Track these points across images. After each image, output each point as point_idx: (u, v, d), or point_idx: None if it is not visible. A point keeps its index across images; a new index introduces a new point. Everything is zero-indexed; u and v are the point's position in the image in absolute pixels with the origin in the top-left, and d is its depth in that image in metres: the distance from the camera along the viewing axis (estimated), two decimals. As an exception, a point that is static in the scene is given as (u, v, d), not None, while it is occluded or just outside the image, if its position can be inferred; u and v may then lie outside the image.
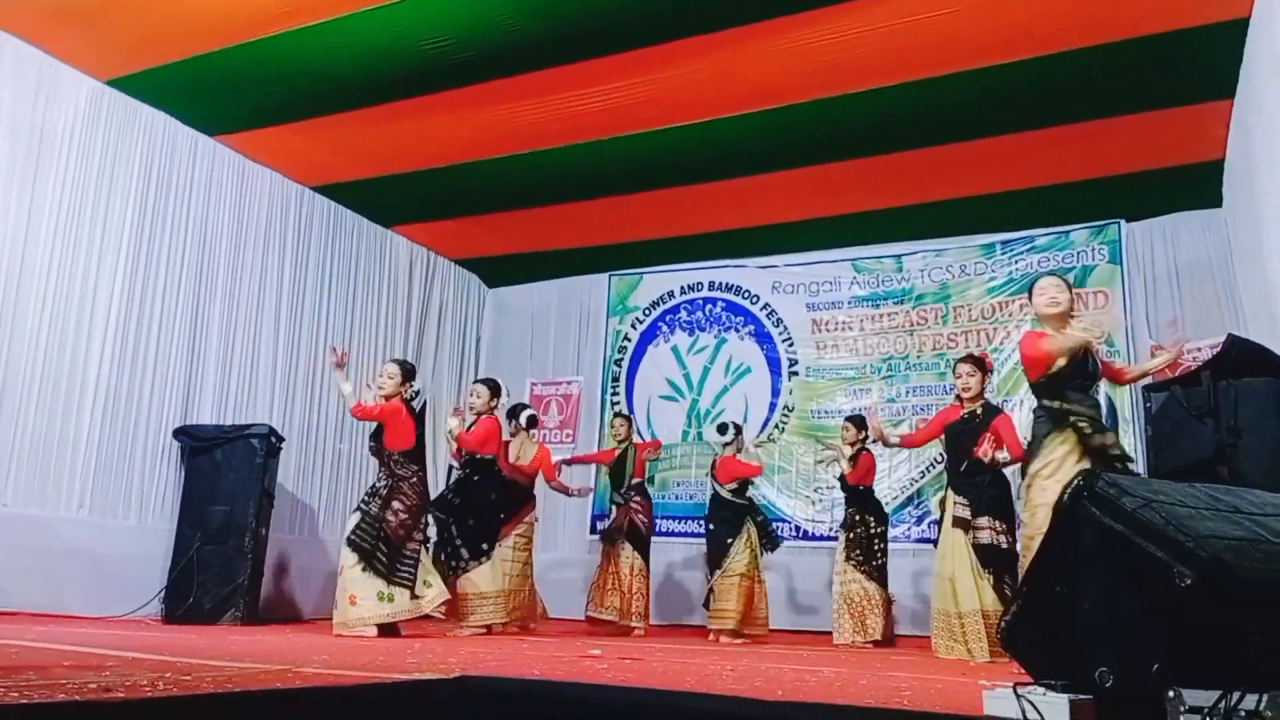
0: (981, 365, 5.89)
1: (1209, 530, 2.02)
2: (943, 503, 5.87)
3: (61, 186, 6.44)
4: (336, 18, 5.84)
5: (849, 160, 7.40)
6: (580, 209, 8.53)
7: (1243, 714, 1.81)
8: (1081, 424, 4.39)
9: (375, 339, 9.04)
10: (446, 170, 7.84)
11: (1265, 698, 1.80)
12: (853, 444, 7.15)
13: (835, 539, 7.62)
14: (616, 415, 7.94)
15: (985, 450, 5.51)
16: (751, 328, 9.40)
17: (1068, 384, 4.52)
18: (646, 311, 9.89)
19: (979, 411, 5.73)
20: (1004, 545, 5.43)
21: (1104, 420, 4.63)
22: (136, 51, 6.37)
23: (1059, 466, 4.36)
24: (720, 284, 9.65)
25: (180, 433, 6.99)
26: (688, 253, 9.47)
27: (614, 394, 9.77)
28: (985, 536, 5.41)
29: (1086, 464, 4.25)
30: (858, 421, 7.19)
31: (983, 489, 5.56)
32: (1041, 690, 1.99)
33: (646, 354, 9.79)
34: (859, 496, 7.07)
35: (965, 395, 5.75)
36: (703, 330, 9.61)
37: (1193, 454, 4.51)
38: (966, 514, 5.51)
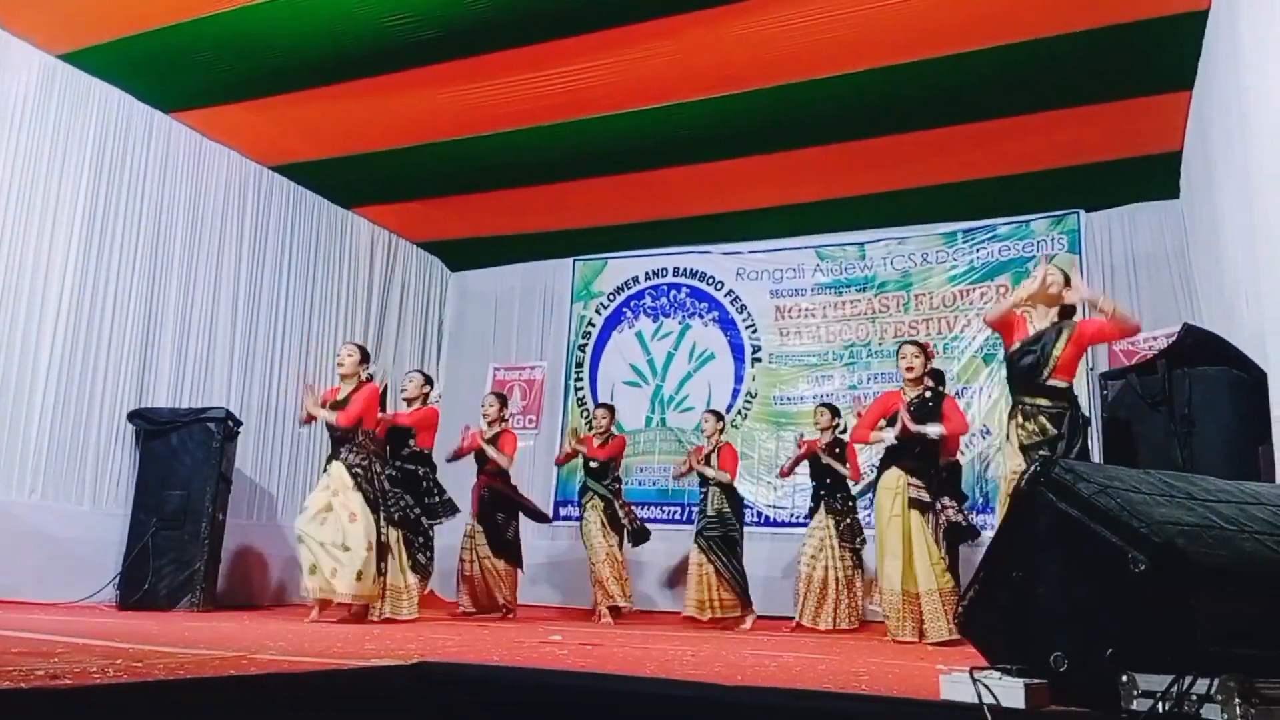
0: (925, 349, 6.00)
1: (1163, 516, 2.04)
2: (873, 484, 5.99)
3: (12, 163, 6.28)
4: (296, -6, 5.75)
5: (813, 147, 7.41)
6: (545, 192, 8.47)
7: (1194, 698, 1.83)
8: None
9: (335, 322, 8.93)
10: (408, 151, 7.75)
11: (1216, 682, 1.82)
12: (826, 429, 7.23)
13: (798, 525, 7.67)
14: (600, 406, 7.81)
15: (913, 425, 5.62)
16: (716, 314, 9.41)
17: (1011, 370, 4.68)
18: (611, 297, 9.87)
19: (927, 395, 5.80)
20: (964, 524, 5.59)
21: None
22: (90, 25, 6.22)
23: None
24: (685, 270, 9.64)
25: (135, 415, 6.87)
26: (653, 238, 9.45)
27: (578, 379, 9.75)
28: (952, 515, 5.54)
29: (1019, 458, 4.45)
30: (833, 409, 7.36)
31: (938, 470, 5.72)
32: (997, 674, 2.01)
33: (611, 339, 9.77)
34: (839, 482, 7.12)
35: (909, 376, 5.79)
36: (667, 316, 9.60)
37: (1147, 441, 4.58)
38: (925, 496, 5.58)
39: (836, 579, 6.79)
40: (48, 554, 6.21)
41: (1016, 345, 4.66)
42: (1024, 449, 4.48)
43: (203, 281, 7.63)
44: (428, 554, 6.31)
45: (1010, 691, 1.94)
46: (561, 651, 3.57)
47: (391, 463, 6.37)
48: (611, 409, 7.75)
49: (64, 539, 6.34)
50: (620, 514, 7.27)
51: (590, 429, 7.88)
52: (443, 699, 2.43)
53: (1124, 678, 1.90)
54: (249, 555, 7.60)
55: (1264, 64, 4.00)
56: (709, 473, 7.12)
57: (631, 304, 9.79)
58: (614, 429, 7.62)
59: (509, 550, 7.13)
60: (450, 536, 7.38)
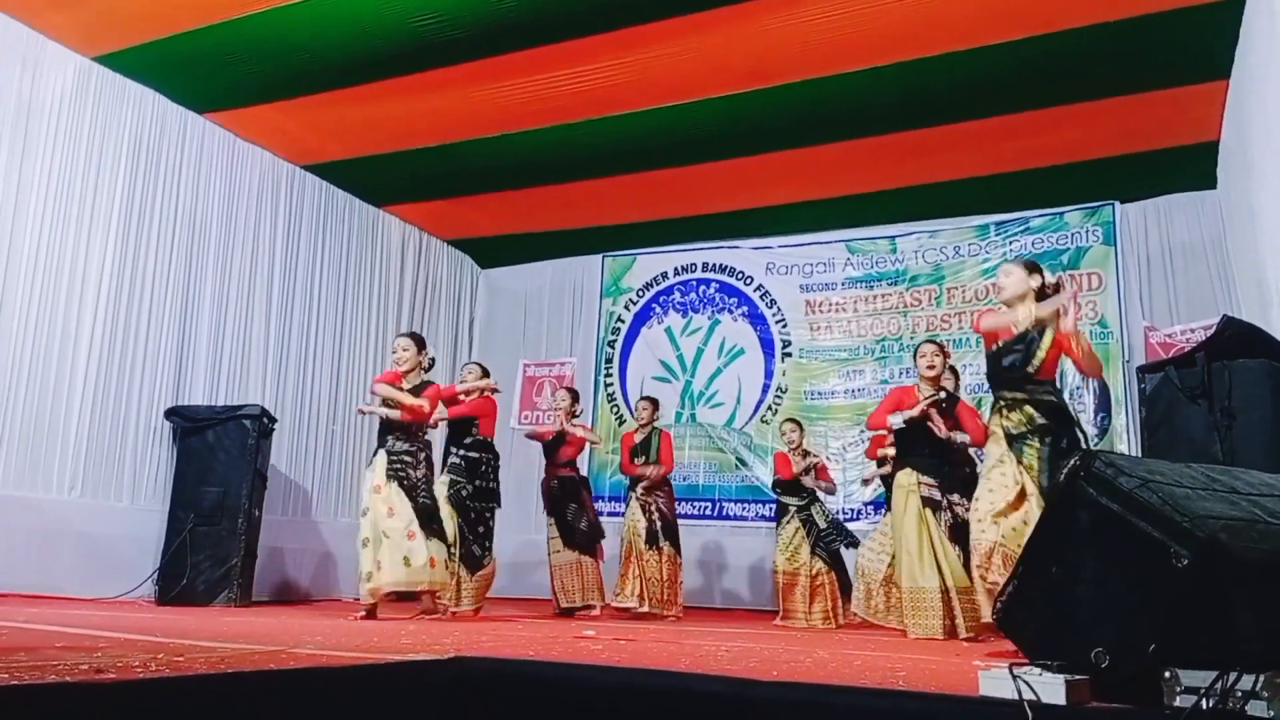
0: (943, 350, 5.99)
1: (1206, 510, 2.01)
2: (887, 480, 5.98)
3: (49, 164, 6.38)
4: (327, -6, 5.79)
5: (843, 141, 7.38)
6: (573, 189, 8.49)
7: (1239, 694, 1.81)
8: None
9: (367, 320, 9.00)
10: (438, 150, 7.79)
11: (1261, 678, 1.80)
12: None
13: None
14: (642, 399, 7.74)
15: (942, 430, 5.60)
16: (745, 309, 9.39)
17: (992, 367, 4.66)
18: (640, 293, 9.87)
19: (943, 395, 5.78)
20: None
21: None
22: (124, 27, 6.30)
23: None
24: (714, 265, 9.62)
25: (172, 413, 6.96)
26: (682, 234, 9.44)
27: (607, 375, 9.76)
28: (960, 513, 5.51)
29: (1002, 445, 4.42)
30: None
31: (954, 469, 5.73)
32: (1038, 671, 1.99)
33: (640, 335, 9.77)
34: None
35: (929, 375, 5.75)
36: (696, 311, 9.59)
37: (1186, 435, 4.52)
38: (936, 494, 5.57)
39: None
40: (87, 550, 6.31)
41: (1000, 344, 4.62)
42: (1011, 438, 4.41)
43: (237, 280, 7.71)
44: (485, 544, 6.32)
45: (1051, 688, 1.92)
46: (596, 646, 3.57)
47: (455, 450, 6.47)
48: (654, 401, 7.66)
49: (103, 535, 6.43)
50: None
51: (622, 425, 7.84)
52: (478, 693, 2.44)
53: (1166, 674, 1.87)
54: (284, 551, 7.67)
55: (1305, 51, 3.93)
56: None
57: (661, 300, 9.78)
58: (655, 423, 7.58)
59: (583, 542, 7.07)
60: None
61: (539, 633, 4.45)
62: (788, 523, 7.06)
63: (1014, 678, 1.95)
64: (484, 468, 6.53)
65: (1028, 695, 1.91)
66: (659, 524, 7.13)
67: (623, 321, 9.87)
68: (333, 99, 7.04)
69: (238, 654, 2.62)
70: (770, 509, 8.12)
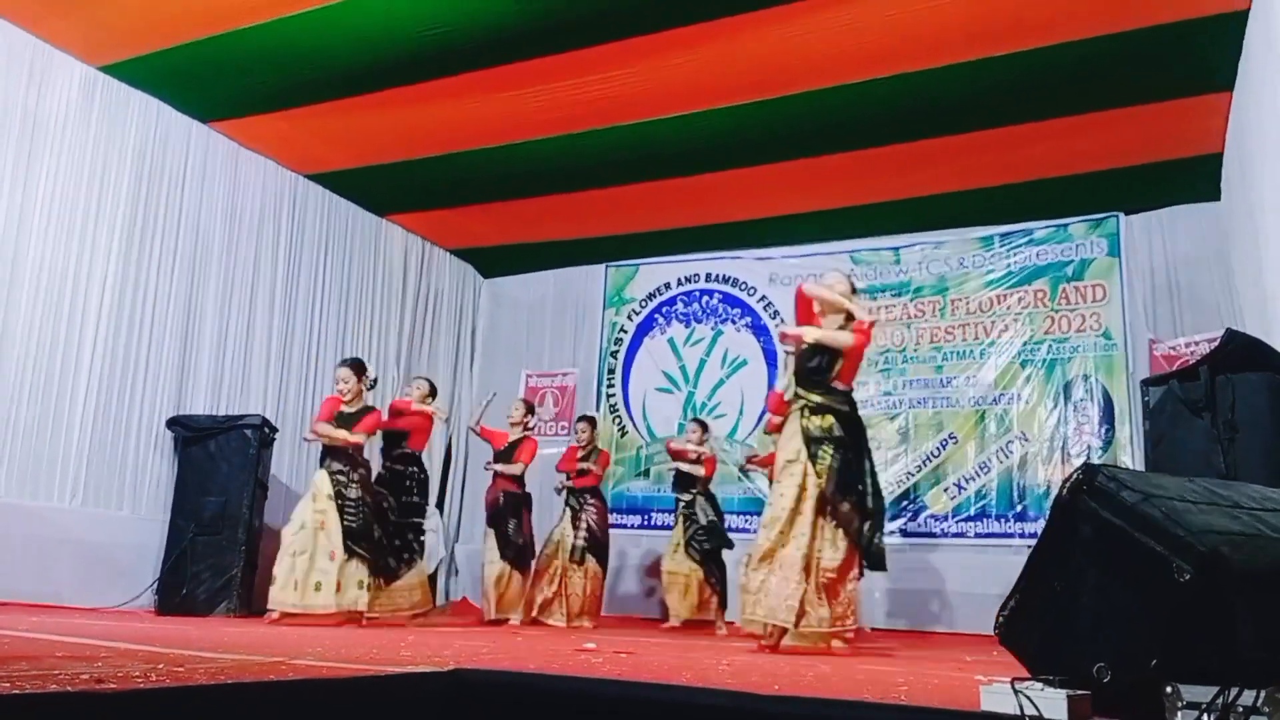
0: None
1: (1207, 524, 2.01)
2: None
3: (54, 173, 6.40)
4: (330, 4, 5.79)
5: (846, 152, 7.38)
6: (576, 199, 8.50)
7: (1240, 709, 1.80)
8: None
9: (370, 329, 9.01)
10: (441, 159, 7.81)
11: (1263, 693, 1.79)
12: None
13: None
14: (581, 418, 7.92)
15: None
16: (748, 320, 9.38)
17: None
18: (643, 303, 9.87)
19: None
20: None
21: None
22: (129, 37, 6.32)
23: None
24: (717, 276, 9.62)
25: (173, 422, 6.96)
26: (684, 244, 9.44)
27: (610, 386, 9.75)
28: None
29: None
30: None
31: None
32: (1039, 685, 1.98)
33: (643, 346, 9.76)
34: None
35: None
36: (699, 322, 9.59)
37: (1190, 448, 4.51)
38: None
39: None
40: (87, 559, 6.30)
41: (807, 347, 4.83)
42: (809, 439, 4.65)
43: (240, 289, 7.72)
44: (404, 556, 6.45)
45: (1053, 703, 1.91)
46: (596, 659, 3.57)
47: (383, 462, 6.71)
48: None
49: (103, 545, 6.43)
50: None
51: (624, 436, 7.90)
52: (478, 705, 2.44)
53: (1168, 689, 1.87)
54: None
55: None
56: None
57: (663, 310, 9.78)
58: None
59: (515, 556, 7.13)
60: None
61: (539, 646, 4.44)
62: (676, 521, 7.42)
63: (1016, 692, 1.95)
64: (408, 481, 6.65)
65: (1029, 710, 1.90)
66: (586, 540, 7.25)
67: (625, 332, 9.86)
68: (336, 108, 7.06)
69: (238, 664, 2.62)
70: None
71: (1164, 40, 5.76)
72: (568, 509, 7.41)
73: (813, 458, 4.61)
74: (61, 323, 6.39)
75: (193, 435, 6.84)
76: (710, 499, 7.49)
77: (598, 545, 7.29)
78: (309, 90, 6.83)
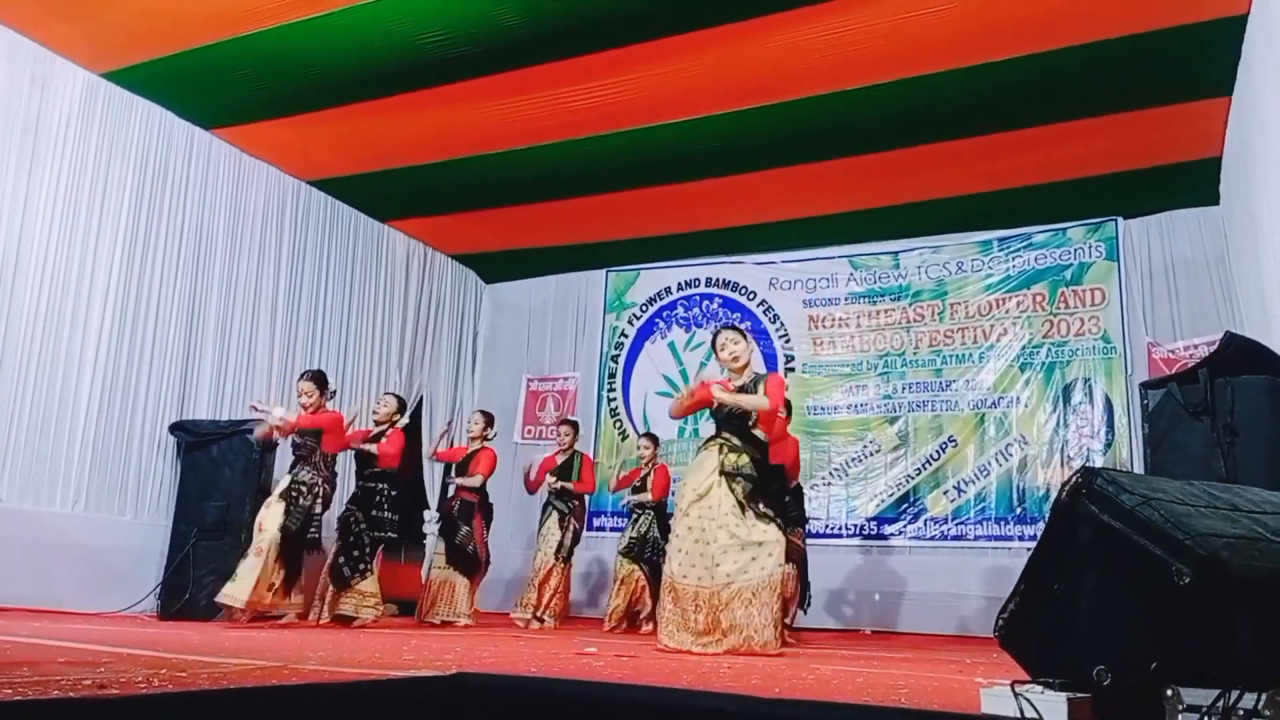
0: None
1: (1207, 528, 2.01)
2: None
3: (56, 179, 6.42)
4: (332, 11, 5.82)
5: (846, 157, 7.40)
6: (577, 205, 8.51)
7: (1241, 713, 1.81)
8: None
9: (372, 334, 9.02)
10: (443, 165, 7.82)
11: (1263, 697, 1.79)
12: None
13: (838, 536, 7.73)
14: (564, 422, 7.95)
15: None
16: (748, 324, 9.38)
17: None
18: (643, 308, 9.88)
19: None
20: None
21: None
22: (132, 44, 6.34)
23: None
24: (717, 280, 9.64)
25: (176, 428, 6.97)
26: (685, 249, 9.46)
27: (610, 390, 9.76)
28: None
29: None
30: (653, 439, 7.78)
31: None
32: (1039, 688, 1.99)
33: (643, 350, 9.78)
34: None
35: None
36: (699, 326, 9.60)
37: (1189, 451, 4.51)
38: None
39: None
40: (90, 564, 6.31)
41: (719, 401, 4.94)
42: (724, 473, 4.80)
43: (242, 295, 7.73)
44: (359, 566, 6.51)
45: (1053, 706, 1.92)
46: (598, 663, 3.57)
47: (357, 481, 6.85)
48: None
49: (106, 550, 6.44)
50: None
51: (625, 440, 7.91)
52: (481, 709, 2.44)
53: (1168, 692, 1.87)
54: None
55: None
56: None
57: (664, 314, 9.80)
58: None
59: (463, 564, 7.17)
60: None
61: (540, 649, 4.45)
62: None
63: (1016, 695, 1.95)
64: (378, 498, 6.71)
65: (1030, 713, 1.90)
66: (571, 541, 7.39)
67: (626, 336, 9.88)
68: (339, 115, 7.08)
69: (241, 669, 2.63)
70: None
71: (1163, 45, 5.78)
72: (554, 511, 7.47)
73: (730, 488, 4.76)
74: (64, 329, 6.41)
75: (195, 440, 6.85)
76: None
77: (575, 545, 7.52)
78: (311, 97, 6.85)
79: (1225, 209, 7.29)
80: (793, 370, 9.05)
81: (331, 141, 7.58)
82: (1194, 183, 7.39)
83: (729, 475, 4.78)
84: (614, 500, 8.99)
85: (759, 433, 4.96)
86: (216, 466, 6.71)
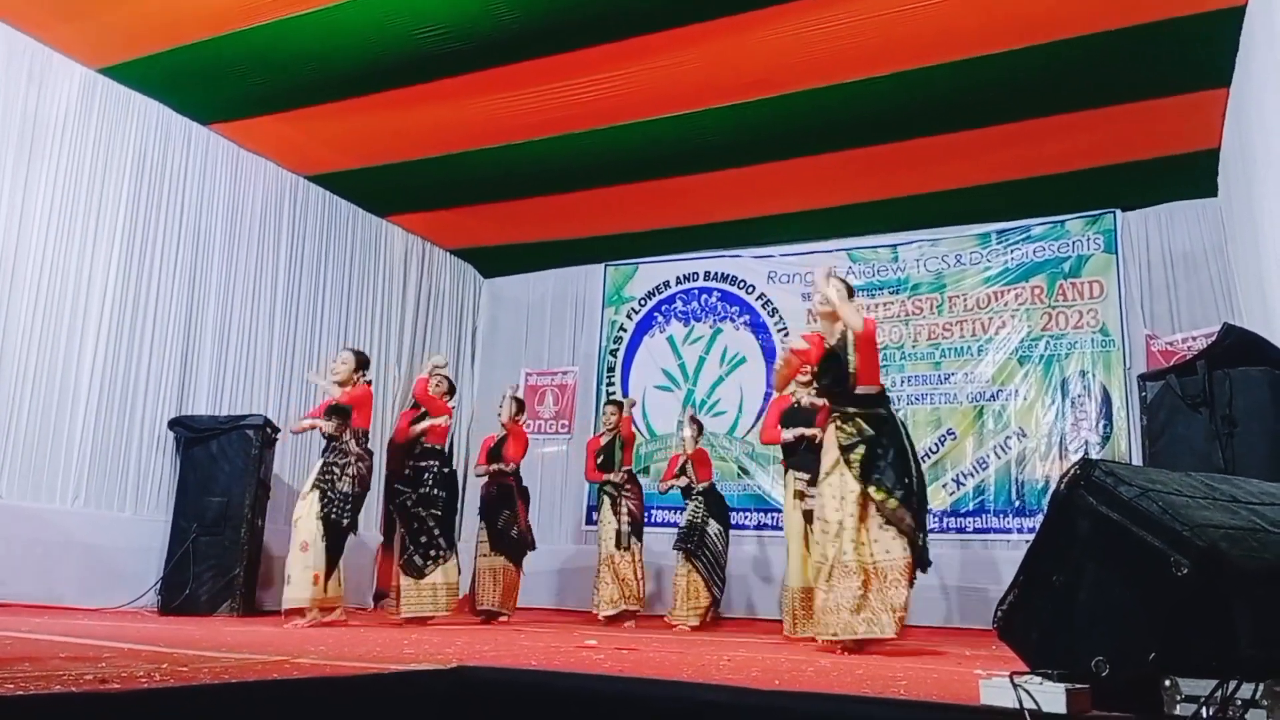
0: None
1: (1206, 519, 2.02)
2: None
3: (54, 175, 6.40)
4: (330, 6, 5.81)
5: (844, 150, 7.39)
6: (575, 199, 8.51)
7: (1238, 703, 1.81)
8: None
9: (371, 329, 9.02)
10: (441, 160, 7.81)
11: (1261, 687, 1.80)
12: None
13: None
14: (609, 402, 7.92)
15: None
16: (747, 318, 9.40)
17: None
18: (642, 302, 9.88)
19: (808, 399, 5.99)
20: None
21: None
22: (129, 40, 6.33)
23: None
24: (716, 274, 9.63)
25: (175, 423, 6.97)
26: (683, 243, 9.46)
27: (609, 384, 9.77)
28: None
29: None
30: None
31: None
32: (1038, 679, 2.00)
33: (642, 344, 9.78)
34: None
35: (803, 380, 5.89)
36: (698, 320, 9.60)
37: (1188, 443, 4.52)
38: (805, 487, 5.77)
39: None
40: (90, 560, 6.32)
41: (818, 366, 4.85)
42: (842, 449, 4.62)
43: (241, 290, 7.73)
44: (430, 553, 6.31)
45: (1051, 696, 1.93)
46: (598, 656, 3.58)
47: (406, 461, 6.54)
48: (619, 404, 7.83)
49: (106, 546, 6.44)
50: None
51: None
52: (481, 703, 2.45)
53: (1166, 682, 1.88)
54: (287, 561, 7.66)
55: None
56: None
57: (663, 308, 9.80)
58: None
59: (509, 548, 7.06)
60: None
61: (540, 642, 4.45)
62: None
63: (1015, 686, 1.96)
64: (426, 475, 6.50)
65: (1029, 704, 1.91)
66: (629, 525, 7.27)
67: (625, 330, 9.88)
68: (337, 110, 7.07)
69: (241, 664, 2.63)
70: (774, 518, 8.15)
71: (1161, 36, 5.77)
72: (604, 498, 7.40)
73: (847, 464, 4.58)
74: (63, 325, 6.40)
75: (195, 436, 6.85)
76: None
77: (638, 529, 7.38)
78: (309, 92, 6.84)
79: (1224, 201, 7.28)
80: (792, 364, 9.04)
81: (330, 136, 7.57)
82: (1192, 175, 7.39)
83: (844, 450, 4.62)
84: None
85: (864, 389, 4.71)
86: (216, 462, 6.71)
